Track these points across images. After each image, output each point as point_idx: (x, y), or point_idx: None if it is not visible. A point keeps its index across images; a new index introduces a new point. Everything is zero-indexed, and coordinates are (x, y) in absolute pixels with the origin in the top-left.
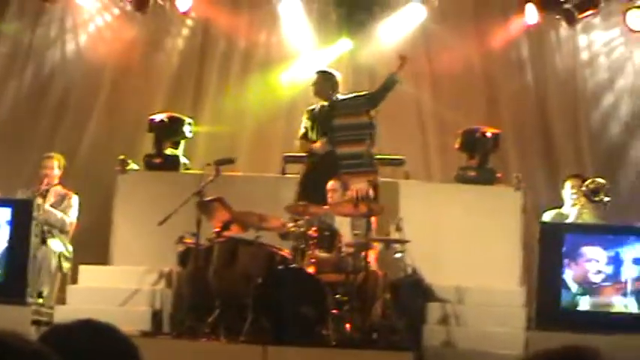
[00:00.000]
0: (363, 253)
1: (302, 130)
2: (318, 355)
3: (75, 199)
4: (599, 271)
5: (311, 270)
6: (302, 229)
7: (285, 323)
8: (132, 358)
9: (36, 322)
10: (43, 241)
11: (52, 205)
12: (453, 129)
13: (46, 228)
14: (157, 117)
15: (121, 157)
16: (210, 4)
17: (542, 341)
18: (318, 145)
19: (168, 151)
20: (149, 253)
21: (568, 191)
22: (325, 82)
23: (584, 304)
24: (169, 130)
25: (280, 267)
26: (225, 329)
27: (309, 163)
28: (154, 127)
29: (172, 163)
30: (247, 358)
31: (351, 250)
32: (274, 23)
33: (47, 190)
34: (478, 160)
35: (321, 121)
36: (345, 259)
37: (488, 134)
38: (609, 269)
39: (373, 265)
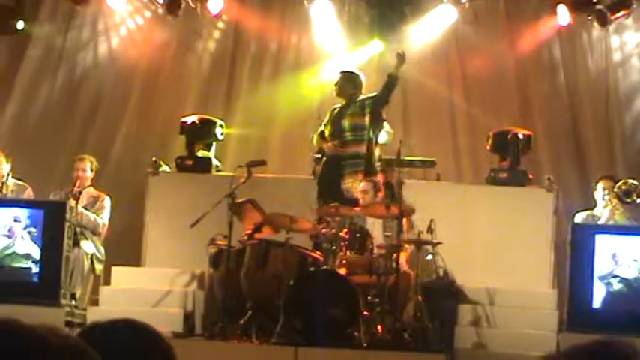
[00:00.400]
0: (394, 255)
1: (321, 128)
2: (350, 356)
3: (107, 201)
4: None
5: (342, 271)
6: (334, 231)
7: (317, 325)
8: (167, 358)
9: (69, 324)
10: (76, 243)
11: (84, 207)
12: (485, 131)
13: (78, 230)
14: (189, 119)
15: (153, 159)
16: (242, 6)
17: (574, 343)
18: (329, 145)
19: (200, 153)
20: (181, 255)
21: (600, 193)
22: (347, 82)
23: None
24: (201, 133)
25: (312, 268)
26: (257, 330)
27: (322, 164)
28: (186, 129)
29: (204, 165)
30: (279, 359)
31: (382, 251)
32: (306, 25)
33: (80, 192)
34: (510, 162)
35: (335, 121)
36: (376, 261)
37: (520, 136)
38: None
39: (404, 266)
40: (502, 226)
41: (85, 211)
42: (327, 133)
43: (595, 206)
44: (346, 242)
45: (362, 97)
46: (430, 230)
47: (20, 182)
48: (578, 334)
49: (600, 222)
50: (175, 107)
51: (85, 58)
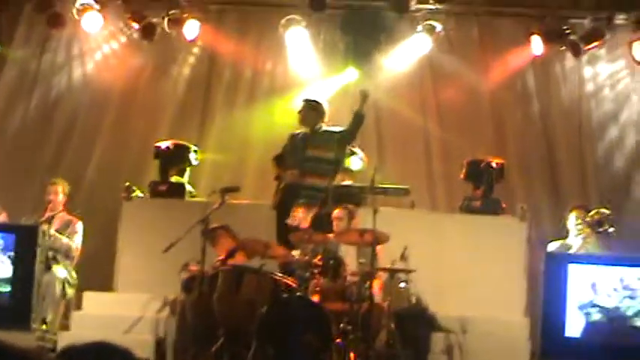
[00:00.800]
0: (367, 282)
1: (279, 152)
2: None
3: (79, 225)
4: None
5: (315, 298)
6: (307, 258)
7: (290, 352)
8: None
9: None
10: (48, 268)
11: (56, 231)
12: (459, 159)
13: (50, 254)
14: (163, 144)
15: (127, 183)
16: (217, 32)
17: None
18: (289, 172)
19: (174, 178)
20: (153, 280)
21: (573, 222)
22: (310, 111)
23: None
24: (175, 158)
25: (285, 295)
26: (229, 357)
27: (277, 190)
28: (160, 154)
29: (177, 191)
30: None
31: (355, 278)
32: (280, 52)
33: (52, 217)
34: (483, 191)
35: (298, 148)
36: (349, 288)
37: (494, 164)
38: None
39: (378, 294)
40: (475, 254)
41: (57, 235)
42: (288, 159)
43: (567, 235)
44: (319, 269)
45: (327, 128)
46: (403, 258)
47: None
48: None
49: (572, 251)
50: (150, 132)
51: (59, 82)
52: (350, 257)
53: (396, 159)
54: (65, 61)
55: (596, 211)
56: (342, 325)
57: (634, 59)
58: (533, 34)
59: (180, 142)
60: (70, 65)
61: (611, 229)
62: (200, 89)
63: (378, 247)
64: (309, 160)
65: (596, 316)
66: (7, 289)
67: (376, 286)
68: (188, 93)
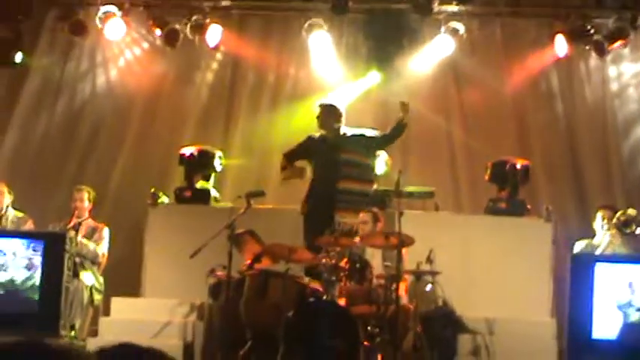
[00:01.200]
0: (394, 285)
1: (292, 148)
2: None
3: (106, 231)
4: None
5: (342, 302)
6: (333, 261)
7: (317, 355)
8: None
9: None
10: (75, 274)
11: (83, 238)
12: (483, 161)
13: (78, 260)
14: (187, 150)
15: (152, 190)
16: (240, 38)
17: None
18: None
19: (199, 184)
20: (180, 286)
21: (599, 222)
22: (330, 115)
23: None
24: (200, 164)
25: (311, 299)
26: None
27: (308, 195)
28: (185, 160)
29: (203, 197)
30: None
31: (382, 281)
32: (303, 57)
33: (79, 224)
34: (508, 192)
35: (323, 151)
36: (375, 291)
37: (518, 166)
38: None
39: (404, 296)
40: (501, 255)
41: (84, 241)
42: (303, 160)
43: (594, 235)
44: (346, 272)
45: (355, 131)
46: (429, 260)
47: (21, 214)
48: None
49: (599, 251)
50: (174, 138)
51: (83, 90)
52: (375, 260)
53: (420, 162)
54: (89, 69)
55: (622, 212)
56: (369, 328)
57: None
58: (557, 33)
59: (205, 147)
60: (94, 73)
61: (638, 231)
62: (223, 95)
63: (404, 250)
64: (343, 164)
65: (635, 315)
66: (36, 296)
67: (402, 288)
68: (211, 99)
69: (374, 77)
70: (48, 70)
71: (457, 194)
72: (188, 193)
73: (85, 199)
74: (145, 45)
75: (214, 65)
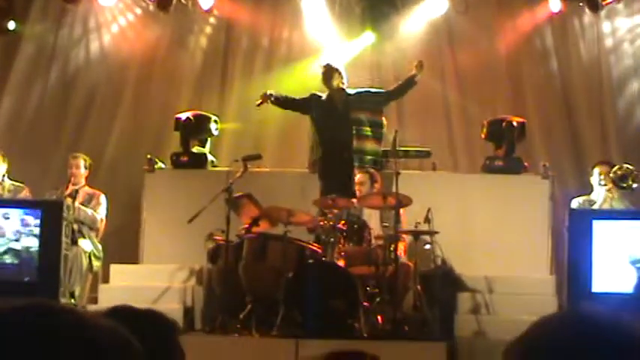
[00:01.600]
0: (392, 245)
1: (292, 96)
2: (350, 347)
3: (103, 198)
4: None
5: (341, 263)
6: (331, 223)
7: (317, 317)
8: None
9: None
10: (74, 242)
11: (80, 205)
12: (479, 119)
13: (76, 228)
14: (183, 115)
15: (148, 155)
16: (233, 1)
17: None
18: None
19: (195, 149)
20: (179, 251)
21: (596, 178)
22: (333, 74)
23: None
24: (195, 128)
25: (310, 261)
26: (257, 324)
27: (314, 151)
28: (180, 125)
29: (199, 161)
30: (280, 352)
31: (380, 242)
32: (297, 19)
33: (77, 191)
34: (505, 150)
35: (330, 110)
36: (374, 252)
37: (514, 123)
38: None
39: (403, 256)
40: (499, 213)
41: (82, 207)
42: (312, 120)
43: (591, 191)
44: (344, 234)
45: (363, 90)
46: (427, 220)
47: (17, 183)
48: None
49: (596, 207)
50: (169, 103)
51: (77, 56)
52: (374, 221)
53: (416, 122)
54: (82, 36)
55: (619, 166)
56: (368, 288)
57: None
58: None
59: (200, 112)
60: (87, 39)
61: (635, 185)
62: (218, 59)
63: (402, 210)
64: (354, 122)
65: None
66: (35, 264)
67: (401, 248)
68: (206, 63)
69: (368, 37)
70: (41, 37)
71: (454, 153)
72: (185, 158)
73: (82, 166)
74: (138, 10)
75: (208, 29)
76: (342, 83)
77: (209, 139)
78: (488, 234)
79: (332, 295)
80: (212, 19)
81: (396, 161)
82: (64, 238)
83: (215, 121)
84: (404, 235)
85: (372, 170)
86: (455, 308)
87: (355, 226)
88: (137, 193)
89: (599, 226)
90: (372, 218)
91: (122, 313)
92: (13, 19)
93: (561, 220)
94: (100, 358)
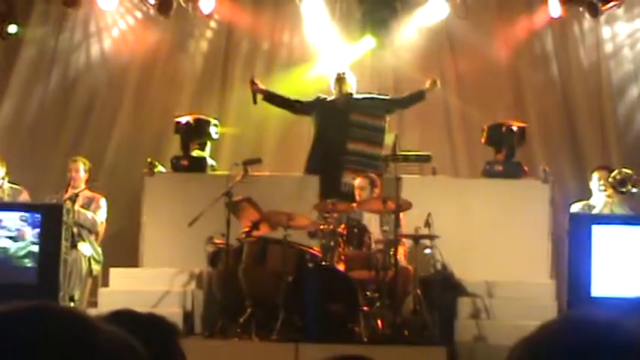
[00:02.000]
0: (392, 250)
1: (295, 97)
2: (351, 352)
3: (103, 201)
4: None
5: (341, 267)
6: (331, 227)
7: (317, 321)
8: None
9: None
10: (73, 245)
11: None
12: (479, 124)
13: (75, 231)
14: (183, 119)
15: (148, 159)
16: (233, 5)
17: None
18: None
19: (195, 152)
20: (179, 255)
21: (595, 183)
22: (343, 81)
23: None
24: (195, 132)
25: (310, 265)
26: (256, 328)
27: (312, 154)
28: (180, 128)
29: (199, 165)
30: (279, 356)
31: (380, 246)
32: (297, 23)
33: (77, 195)
34: (505, 154)
35: (332, 112)
36: (374, 256)
37: (514, 128)
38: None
39: (403, 261)
40: (499, 218)
41: (82, 210)
42: (314, 121)
43: (591, 196)
44: (344, 238)
45: (368, 95)
46: (427, 224)
47: (16, 186)
48: None
49: (596, 211)
50: (169, 107)
51: (77, 60)
52: (374, 226)
53: (416, 126)
54: (82, 39)
55: (618, 171)
56: (368, 293)
57: None
58: None
59: (200, 116)
60: (88, 43)
61: (634, 190)
62: (218, 63)
63: (402, 215)
64: (352, 125)
65: None
66: (34, 267)
67: (401, 253)
68: (206, 67)
69: (368, 42)
70: (42, 41)
71: (454, 158)
72: (185, 162)
73: (81, 169)
74: (139, 14)
75: (208, 33)
76: (351, 89)
77: (209, 142)
78: (488, 238)
79: (332, 300)
80: (212, 23)
81: (396, 166)
82: (63, 242)
83: (215, 125)
84: (404, 240)
85: (372, 175)
86: (455, 313)
87: (355, 230)
88: (137, 197)
89: (599, 231)
90: (372, 223)
91: (123, 317)
92: (13, 23)
93: (561, 224)
94: None
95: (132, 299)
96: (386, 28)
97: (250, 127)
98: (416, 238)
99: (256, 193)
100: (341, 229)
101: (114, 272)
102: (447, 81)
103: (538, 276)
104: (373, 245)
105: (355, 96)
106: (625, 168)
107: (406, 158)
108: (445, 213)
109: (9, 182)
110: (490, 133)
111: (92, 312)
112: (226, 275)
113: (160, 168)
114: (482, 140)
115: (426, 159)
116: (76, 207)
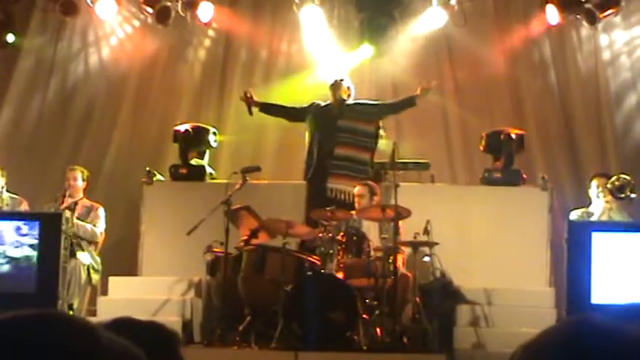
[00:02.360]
0: (391, 257)
1: (291, 105)
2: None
3: (101, 211)
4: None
5: (340, 275)
6: (330, 235)
7: (316, 329)
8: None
9: None
10: (72, 254)
11: (78, 218)
12: (478, 131)
13: (74, 240)
14: (182, 127)
15: (147, 168)
16: (232, 14)
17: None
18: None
19: (194, 161)
20: (178, 263)
21: (594, 190)
22: (339, 88)
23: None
24: (194, 140)
25: (309, 273)
26: (256, 336)
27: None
28: (179, 137)
29: (198, 173)
30: None
31: (379, 254)
32: (295, 31)
33: (75, 204)
34: (503, 162)
35: (323, 118)
36: (373, 264)
37: (513, 135)
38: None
39: (402, 268)
40: (498, 225)
41: (80, 222)
42: (308, 128)
43: (590, 204)
44: (343, 246)
45: (358, 100)
46: (426, 232)
47: (15, 196)
48: None
49: (594, 218)
50: (168, 116)
51: (76, 69)
52: (372, 233)
53: (415, 134)
54: (81, 48)
55: (616, 177)
56: (367, 300)
57: None
58: (547, 2)
59: (199, 124)
60: (86, 52)
61: (633, 195)
62: (216, 71)
63: (401, 222)
64: (342, 130)
65: None
66: (34, 276)
67: (400, 260)
68: (205, 75)
69: (366, 50)
70: (40, 50)
71: (452, 165)
72: (183, 170)
73: (79, 178)
74: (137, 23)
75: (207, 42)
76: (348, 96)
77: (208, 151)
78: (486, 246)
79: (331, 308)
80: (211, 32)
81: (395, 173)
82: (62, 251)
83: (214, 133)
84: (403, 247)
85: (371, 183)
86: (454, 320)
87: (354, 238)
88: (136, 206)
89: (598, 238)
90: (371, 230)
91: (124, 325)
92: (12, 32)
93: (560, 232)
94: None
95: (131, 308)
96: (384, 36)
97: (249, 135)
98: (415, 246)
99: (255, 201)
100: (340, 236)
101: (113, 281)
102: (445, 89)
103: (537, 283)
104: (372, 253)
105: (348, 102)
106: (622, 174)
107: (405, 166)
108: (444, 220)
109: (8, 192)
110: (489, 141)
111: (92, 321)
112: (225, 284)
113: (159, 177)
114: (481, 148)
115: (425, 166)
116: (75, 219)
